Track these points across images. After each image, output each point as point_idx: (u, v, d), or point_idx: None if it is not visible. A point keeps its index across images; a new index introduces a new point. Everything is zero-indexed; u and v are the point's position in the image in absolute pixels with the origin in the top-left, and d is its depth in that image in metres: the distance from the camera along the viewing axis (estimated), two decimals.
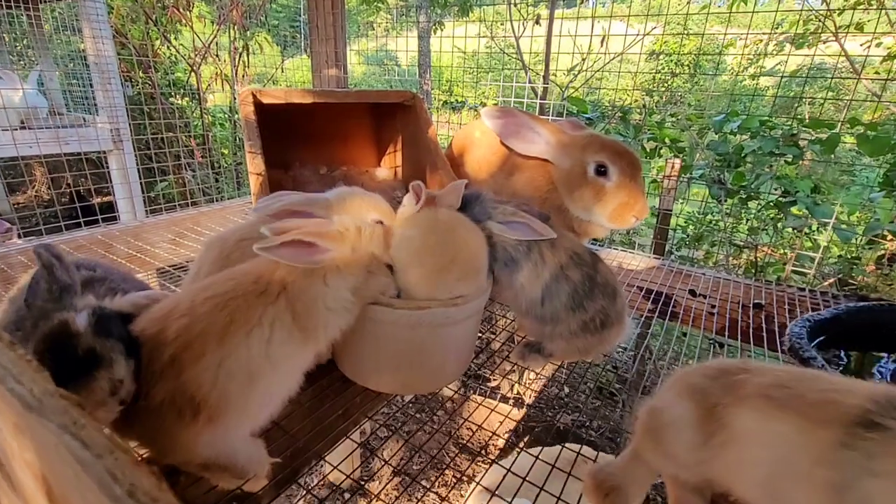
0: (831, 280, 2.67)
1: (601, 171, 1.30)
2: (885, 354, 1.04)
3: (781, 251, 2.94)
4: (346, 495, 2.47)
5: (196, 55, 4.34)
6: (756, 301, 1.63)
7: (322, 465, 1.11)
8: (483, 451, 2.72)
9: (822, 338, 1.02)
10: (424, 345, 0.99)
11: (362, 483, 1.01)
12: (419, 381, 1.09)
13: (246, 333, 0.74)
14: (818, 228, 2.77)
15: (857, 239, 2.58)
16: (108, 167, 3.41)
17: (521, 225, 1.05)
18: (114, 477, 0.33)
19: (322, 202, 1.06)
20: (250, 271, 0.82)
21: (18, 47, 4.65)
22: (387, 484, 2.50)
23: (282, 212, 1.02)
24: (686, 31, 2.81)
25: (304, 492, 0.89)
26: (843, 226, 2.48)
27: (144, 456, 0.78)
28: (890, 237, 2.50)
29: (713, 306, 1.63)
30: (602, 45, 3.36)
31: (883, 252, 2.65)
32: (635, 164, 1.32)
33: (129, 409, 0.69)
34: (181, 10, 4.30)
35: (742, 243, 3.00)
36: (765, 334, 1.46)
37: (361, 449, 1.14)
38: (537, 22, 3.56)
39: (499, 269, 1.07)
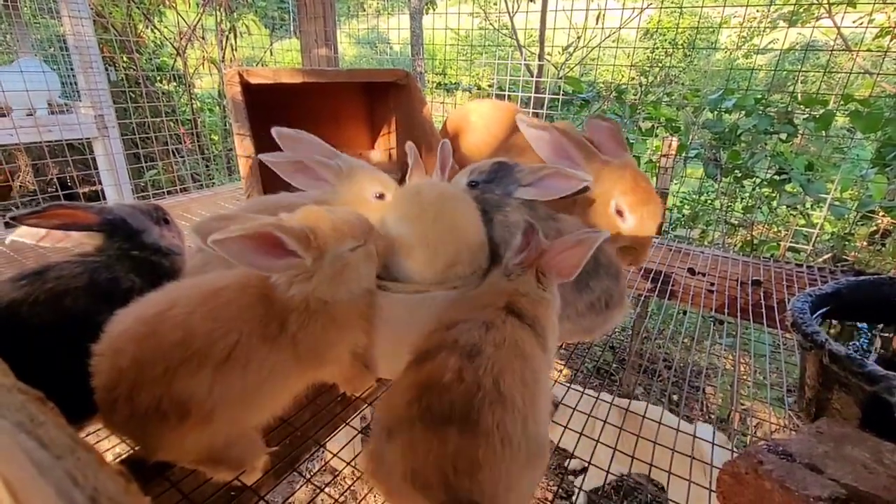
0: (826, 256, 2.69)
1: (619, 212, 1.25)
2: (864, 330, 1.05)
3: (776, 229, 2.95)
4: (348, 481, 2.48)
5: (181, 38, 4.21)
6: (754, 278, 1.63)
7: (323, 452, 1.11)
8: None
9: (823, 312, 1.02)
10: (423, 329, 0.95)
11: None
12: None
13: (243, 367, 0.71)
14: (812, 206, 2.77)
15: (849, 215, 2.59)
16: (93, 155, 3.32)
17: (551, 179, 1.03)
18: (74, 481, 0.29)
19: (334, 169, 1.06)
20: (256, 307, 0.75)
21: None
22: None
23: (291, 163, 1.02)
24: (680, 7, 2.76)
25: (305, 479, 0.87)
26: (837, 202, 2.49)
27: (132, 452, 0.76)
28: (882, 213, 2.51)
29: (712, 284, 1.63)
30: (597, 22, 3.31)
31: (875, 228, 2.67)
32: (655, 215, 1.26)
33: (113, 412, 0.68)
34: None
35: (737, 222, 3.01)
36: (763, 311, 1.47)
37: (362, 435, 1.13)
38: None
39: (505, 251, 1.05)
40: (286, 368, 0.77)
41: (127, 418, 0.68)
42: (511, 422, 0.60)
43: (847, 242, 2.68)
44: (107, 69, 3.56)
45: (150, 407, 0.67)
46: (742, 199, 3.05)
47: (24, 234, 0.99)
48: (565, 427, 1.04)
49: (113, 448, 0.87)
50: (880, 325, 1.04)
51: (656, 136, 2.98)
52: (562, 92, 3.10)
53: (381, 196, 1.10)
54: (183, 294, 0.75)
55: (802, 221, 2.77)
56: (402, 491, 0.62)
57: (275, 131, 1.08)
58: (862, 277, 1.08)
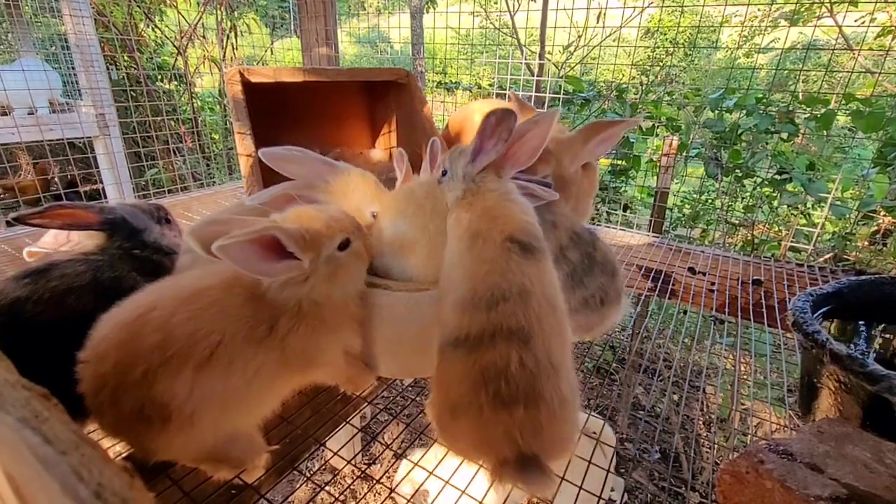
0: (827, 256, 2.68)
1: None
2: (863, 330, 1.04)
3: (777, 228, 2.94)
4: (348, 480, 2.48)
5: (182, 37, 4.22)
6: (755, 278, 1.63)
7: (323, 451, 1.11)
8: None
9: (824, 311, 1.02)
10: (423, 328, 0.95)
11: (364, 467, 1.01)
12: (418, 365, 1.07)
13: (225, 368, 0.69)
14: (813, 205, 2.77)
15: (850, 215, 2.58)
16: (94, 153, 3.32)
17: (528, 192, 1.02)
18: (79, 476, 0.30)
19: (322, 186, 1.00)
20: (242, 308, 0.73)
21: None
22: (389, 467, 2.52)
23: (278, 199, 0.97)
24: (681, 6, 2.75)
25: (306, 478, 0.87)
26: (838, 202, 2.48)
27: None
28: (883, 213, 2.51)
29: (712, 283, 1.63)
30: (598, 21, 3.30)
31: (876, 228, 2.66)
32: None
33: (102, 417, 0.69)
34: None
35: (738, 221, 3.00)
36: (764, 310, 1.47)
37: (362, 434, 1.13)
38: None
39: None
40: (273, 371, 0.75)
41: (114, 422, 0.68)
42: (565, 383, 0.68)
43: (848, 242, 2.68)
44: (108, 68, 3.56)
45: (133, 411, 0.66)
46: (743, 198, 3.05)
47: (45, 244, 1.00)
48: None
49: (113, 446, 0.87)
50: (881, 326, 1.04)
51: (657, 135, 2.98)
52: (562, 91, 3.09)
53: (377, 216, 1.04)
54: (165, 295, 0.73)
55: (803, 221, 2.77)
56: (470, 453, 0.72)
57: (262, 154, 1.02)
58: (863, 277, 1.08)
